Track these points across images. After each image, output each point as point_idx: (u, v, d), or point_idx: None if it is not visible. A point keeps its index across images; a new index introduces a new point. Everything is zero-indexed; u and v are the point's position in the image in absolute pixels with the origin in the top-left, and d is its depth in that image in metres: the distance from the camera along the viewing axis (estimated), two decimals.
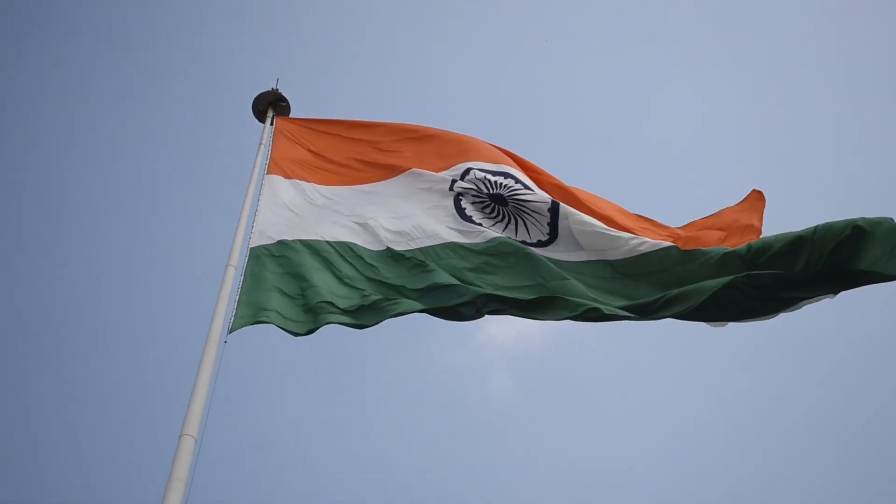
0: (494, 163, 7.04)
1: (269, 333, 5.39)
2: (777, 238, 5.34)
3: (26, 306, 17.54)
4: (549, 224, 6.44)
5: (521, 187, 6.74)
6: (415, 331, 20.05)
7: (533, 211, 6.53)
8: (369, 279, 5.87)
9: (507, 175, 6.88)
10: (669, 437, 17.24)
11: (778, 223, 5.96)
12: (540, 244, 6.33)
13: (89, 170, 19.96)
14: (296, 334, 5.33)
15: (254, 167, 7.12)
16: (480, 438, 17.29)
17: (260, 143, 7.58)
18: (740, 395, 17.43)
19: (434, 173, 6.95)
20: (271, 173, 7.03)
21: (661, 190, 20.07)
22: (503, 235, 6.31)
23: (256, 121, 8.16)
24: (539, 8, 24.13)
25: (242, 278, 5.71)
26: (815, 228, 5.05)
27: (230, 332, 5.20)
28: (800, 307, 5.41)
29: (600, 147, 22.50)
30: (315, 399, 17.47)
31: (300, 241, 6.19)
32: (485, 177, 6.80)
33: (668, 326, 5.84)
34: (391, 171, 7.17)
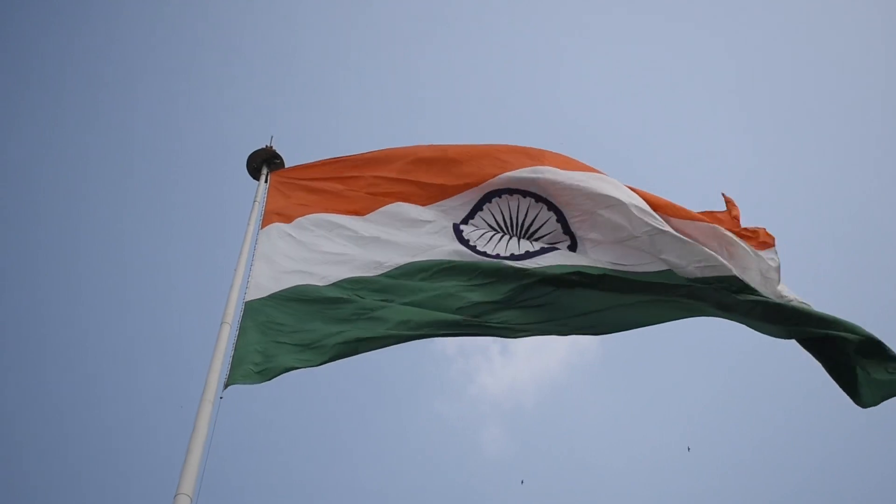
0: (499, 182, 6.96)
1: (263, 388, 5.39)
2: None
3: (25, 370, 17.47)
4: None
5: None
6: (407, 385, 19.94)
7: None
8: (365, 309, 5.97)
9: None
10: (668, 484, 17.06)
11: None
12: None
13: (92, 243, 20.04)
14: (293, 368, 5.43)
15: (248, 224, 7.16)
16: (472, 491, 17.11)
17: (254, 200, 7.59)
18: (738, 434, 17.30)
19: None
20: (266, 225, 7.03)
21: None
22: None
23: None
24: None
25: (238, 334, 5.71)
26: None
27: (226, 388, 5.20)
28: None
29: None
30: (307, 453, 17.31)
31: (296, 287, 6.21)
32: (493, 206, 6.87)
33: (665, 373, 5.85)
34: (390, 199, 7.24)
